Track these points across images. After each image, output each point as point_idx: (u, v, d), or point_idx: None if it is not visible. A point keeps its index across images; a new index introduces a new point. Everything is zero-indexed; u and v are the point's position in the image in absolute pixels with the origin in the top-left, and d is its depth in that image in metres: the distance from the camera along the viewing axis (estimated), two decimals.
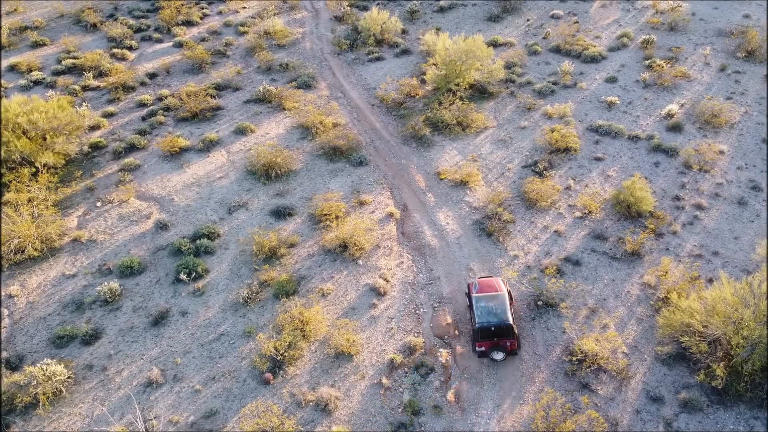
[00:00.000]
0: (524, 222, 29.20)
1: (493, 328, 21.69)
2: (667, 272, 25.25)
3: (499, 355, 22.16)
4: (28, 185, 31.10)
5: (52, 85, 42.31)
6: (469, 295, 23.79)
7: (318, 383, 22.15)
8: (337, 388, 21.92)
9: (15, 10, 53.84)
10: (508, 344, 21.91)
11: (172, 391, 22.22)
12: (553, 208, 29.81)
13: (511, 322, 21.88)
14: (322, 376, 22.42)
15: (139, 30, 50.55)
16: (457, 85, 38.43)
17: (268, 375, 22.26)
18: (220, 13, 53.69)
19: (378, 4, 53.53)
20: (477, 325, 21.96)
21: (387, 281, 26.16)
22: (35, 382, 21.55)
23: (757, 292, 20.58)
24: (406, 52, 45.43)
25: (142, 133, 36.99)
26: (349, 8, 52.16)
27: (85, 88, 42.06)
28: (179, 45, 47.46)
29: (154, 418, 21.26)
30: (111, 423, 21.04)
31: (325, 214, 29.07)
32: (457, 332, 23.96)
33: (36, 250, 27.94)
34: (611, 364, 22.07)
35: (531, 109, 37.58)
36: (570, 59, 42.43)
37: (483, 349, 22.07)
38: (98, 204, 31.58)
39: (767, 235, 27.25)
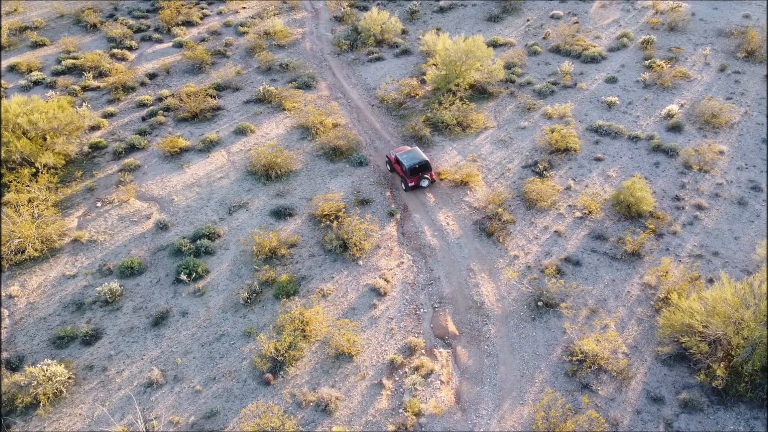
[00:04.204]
0: (524, 222, 29.21)
1: (417, 166, 30.75)
2: (667, 272, 25.27)
3: (425, 182, 31.38)
4: (28, 185, 31.11)
5: (52, 86, 42.33)
6: (390, 160, 32.64)
7: (318, 384, 22.17)
8: (338, 389, 21.94)
9: (15, 10, 53.86)
10: (429, 175, 31.12)
11: (173, 392, 22.23)
12: (553, 209, 29.82)
13: (428, 160, 31.10)
14: (323, 377, 22.43)
15: (139, 30, 50.59)
16: (457, 85, 38.45)
17: (269, 375, 22.28)
18: (220, 13, 53.70)
19: (378, 4, 53.54)
20: (407, 166, 30.56)
21: (387, 281, 26.17)
22: (36, 382, 21.57)
23: (758, 292, 20.60)
24: (406, 52, 45.44)
25: (142, 133, 37.02)
26: (349, 8, 52.17)
27: (85, 89, 42.08)
28: (179, 45, 47.48)
29: (155, 418, 21.27)
30: (111, 423, 21.05)
31: (325, 215, 29.08)
32: (457, 333, 23.98)
33: (36, 250, 27.96)
34: (611, 364, 22.10)
35: (531, 110, 37.59)
36: (570, 59, 42.46)
37: (413, 183, 31.07)
38: (98, 204, 31.57)
39: (767, 235, 27.29)
